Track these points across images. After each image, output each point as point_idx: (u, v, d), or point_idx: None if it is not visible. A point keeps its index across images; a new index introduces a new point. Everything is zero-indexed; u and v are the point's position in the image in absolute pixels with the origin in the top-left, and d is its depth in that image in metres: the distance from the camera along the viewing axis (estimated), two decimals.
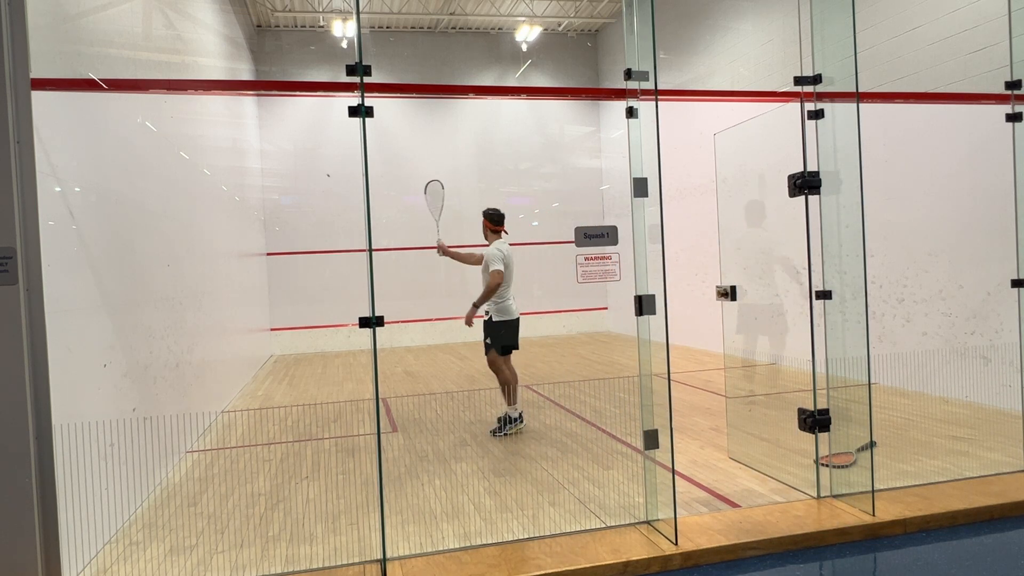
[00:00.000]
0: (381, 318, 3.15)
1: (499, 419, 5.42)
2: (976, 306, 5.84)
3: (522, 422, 5.48)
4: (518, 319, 5.61)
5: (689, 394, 6.78)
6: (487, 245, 5.55)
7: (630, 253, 3.33)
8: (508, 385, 5.46)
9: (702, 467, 4.38)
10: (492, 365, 5.55)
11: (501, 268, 5.35)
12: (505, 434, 5.31)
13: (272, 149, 12.44)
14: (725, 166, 4.73)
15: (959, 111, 5.85)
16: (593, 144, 14.21)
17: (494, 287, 5.32)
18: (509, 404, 5.46)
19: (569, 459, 4.66)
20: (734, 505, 3.65)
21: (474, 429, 5.64)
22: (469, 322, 5.42)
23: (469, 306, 5.48)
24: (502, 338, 5.51)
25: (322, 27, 12.65)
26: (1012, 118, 4.09)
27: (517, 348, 5.62)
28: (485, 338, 5.53)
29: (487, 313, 5.51)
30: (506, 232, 5.63)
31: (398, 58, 13.11)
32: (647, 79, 3.22)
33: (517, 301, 5.60)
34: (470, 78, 13.25)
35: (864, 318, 3.47)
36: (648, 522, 3.32)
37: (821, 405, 3.62)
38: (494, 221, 5.57)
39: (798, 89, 3.61)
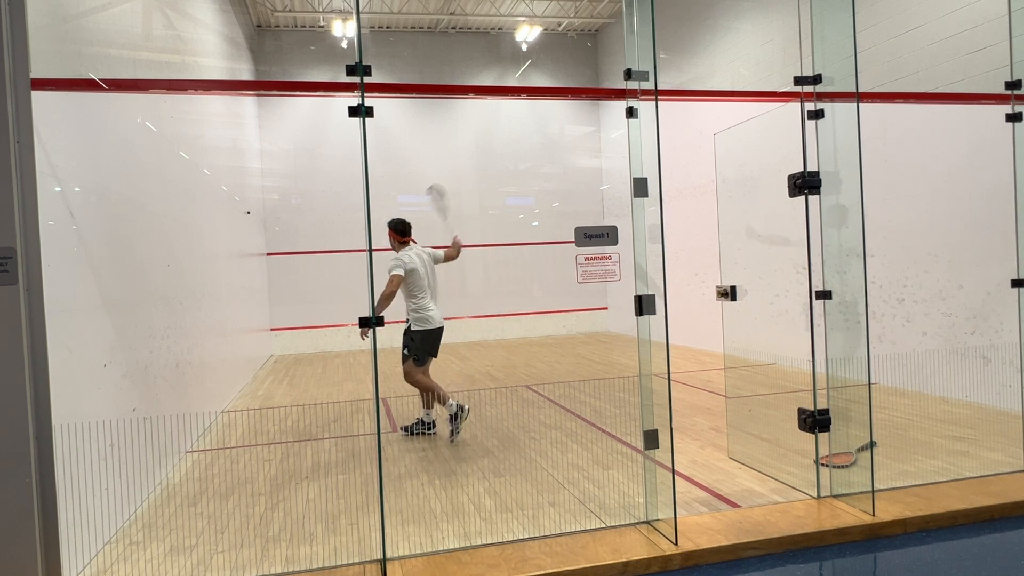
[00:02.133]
0: (381, 318, 3.16)
1: (421, 422, 5.38)
2: (976, 306, 5.84)
3: (466, 413, 5.28)
4: (440, 328, 5.44)
5: (689, 394, 6.78)
6: (448, 247, 5.57)
7: (630, 253, 3.33)
8: (432, 391, 5.29)
9: (702, 467, 4.38)
10: (408, 376, 5.35)
11: (399, 274, 5.19)
12: (458, 430, 5.20)
13: (272, 149, 12.45)
14: (725, 166, 4.73)
15: (959, 111, 5.85)
16: (593, 144, 14.21)
17: (388, 293, 5.09)
18: (444, 404, 5.27)
19: (569, 459, 4.66)
20: (734, 505, 3.65)
21: (474, 429, 5.63)
22: (366, 334, 5.22)
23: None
24: (418, 348, 5.32)
25: (322, 27, 12.65)
26: (1012, 118, 4.09)
27: (435, 356, 5.49)
28: (403, 347, 5.35)
29: (406, 321, 5.35)
30: (414, 241, 5.50)
31: (398, 58, 13.11)
32: (647, 79, 3.22)
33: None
34: (470, 78, 13.25)
35: (864, 318, 3.47)
36: (648, 522, 3.32)
37: (821, 405, 3.62)
38: (399, 232, 5.44)
39: (798, 89, 3.61)
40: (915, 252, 6.39)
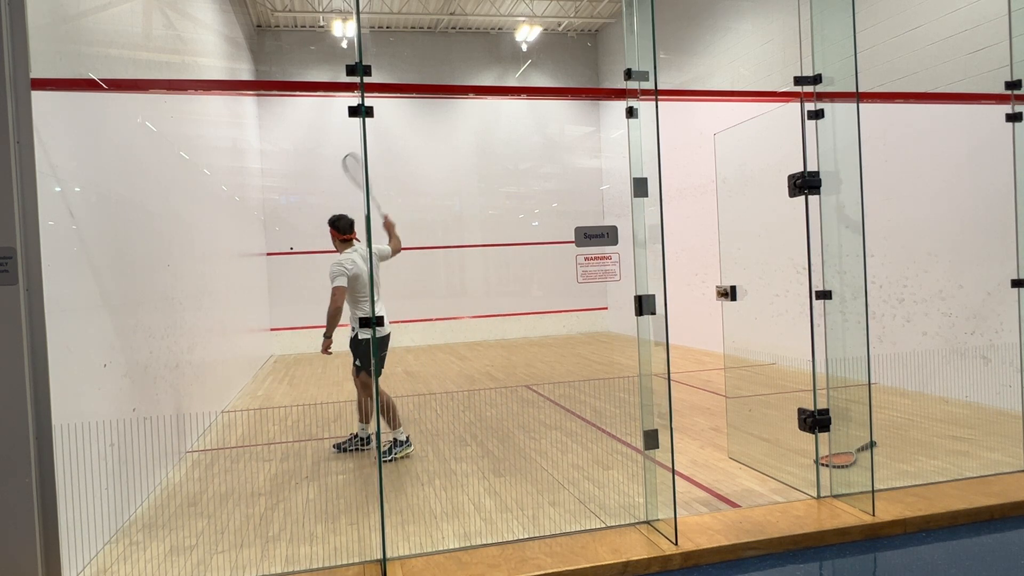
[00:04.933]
0: (381, 318, 3.16)
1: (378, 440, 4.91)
2: (976, 306, 5.84)
3: (410, 446, 4.93)
4: (388, 335, 4.98)
5: (689, 394, 6.78)
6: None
7: (630, 253, 3.33)
8: (394, 408, 4.87)
9: (702, 467, 4.37)
10: (366, 388, 4.97)
11: (343, 285, 4.78)
12: (394, 458, 4.80)
13: (272, 149, 12.44)
14: (725, 166, 4.73)
15: (959, 111, 5.85)
16: (593, 144, 14.21)
17: (333, 311, 4.73)
18: (397, 427, 4.86)
19: (569, 459, 4.66)
20: (734, 505, 3.65)
21: (474, 429, 5.63)
22: (326, 351, 4.85)
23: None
24: (376, 357, 4.81)
25: (322, 27, 12.65)
26: (1012, 118, 4.09)
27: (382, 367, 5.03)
28: (355, 360, 4.95)
29: (353, 330, 4.84)
30: (358, 240, 5.03)
31: (398, 58, 13.11)
32: (647, 79, 3.22)
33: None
34: (470, 78, 13.25)
35: (864, 318, 3.47)
36: (648, 522, 3.32)
37: (821, 405, 3.62)
38: (341, 229, 5.00)
39: (798, 89, 3.61)
40: (915, 252, 6.39)
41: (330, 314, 4.75)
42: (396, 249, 5.20)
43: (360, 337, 4.88)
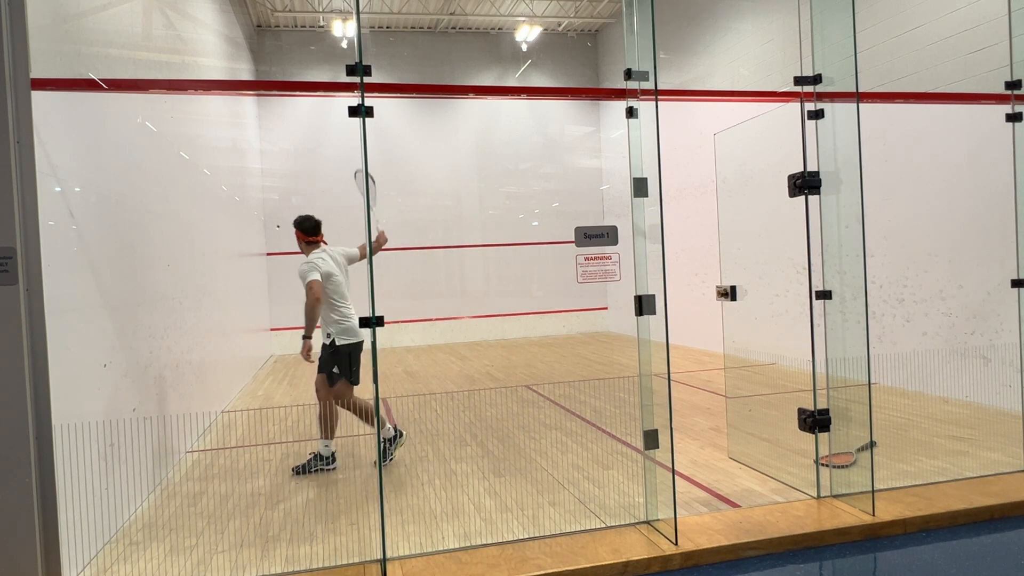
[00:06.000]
0: (381, 318, 3.15)
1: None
2: (976, 306, 5.84)
3: (402, 435, 4.82)
4: (361, 342, 4.71)
5: (689, 394, 6.78)
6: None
7: (630, 253, 3.33)
8: (368, 411, 4.66)
9: (702, 467, 4.38)
10: (340, 399, 4.65)
11: (317, 279, 4.51)
12: (392, 456, 4.73)
13: (272, 149, 12.44)
14: (725, 166, 4.73)
15: (959, 111, 5.85)
16: (593, 144, 14.21)
17: (312, 303, 4.48)
18: (382, 427, 4.69)
19: (569, 459, 4.66)
20: (734, 505, 3.65)
21: (474, 429, 5.63)
22: (308, 356, 4.57)
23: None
24: (353, 364, 4.65)
25: (322, 27, 12.65)
26: (1012, 118, 4.09)
27: (358, 381, 4.72)
28: (332, 368, 4.61)
29: (328, 336, 4.63)
30: (325, 242, 4.86)
31: (398, 58, 13.11)
32: (647, 79, 3.22)
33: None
34: (470, 78, 13.25)
35: (864, 318, 3.47)
36: (648, 522, 3.32)
37: (821, 405, 3.62)
38: (307, 231, 4.78)
39: (798, 89, 3.61)
40: (915, 252, 6.39)
41: (308, 308, 4.50)
42: (363, 254, 4.96)
43: (338, 344, 4.61)
